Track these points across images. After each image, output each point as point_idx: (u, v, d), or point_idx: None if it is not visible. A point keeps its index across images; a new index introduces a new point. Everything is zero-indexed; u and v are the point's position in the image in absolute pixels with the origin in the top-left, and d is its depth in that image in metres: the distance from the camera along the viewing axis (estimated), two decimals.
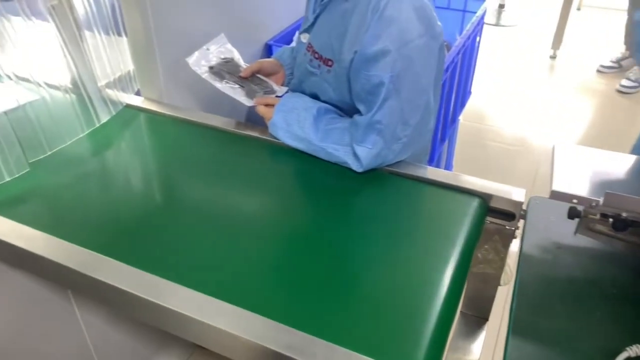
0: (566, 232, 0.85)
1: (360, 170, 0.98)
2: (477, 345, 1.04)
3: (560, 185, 0.76)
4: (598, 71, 3.32)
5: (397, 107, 0.95)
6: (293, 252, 0.83)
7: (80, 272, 0.76)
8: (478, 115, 2.89)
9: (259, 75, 1.21)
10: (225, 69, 1.18)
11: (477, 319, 1.08)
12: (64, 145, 1.05)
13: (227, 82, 1.15)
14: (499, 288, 1.03)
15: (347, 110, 1.07)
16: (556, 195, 0.75)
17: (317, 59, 1.05)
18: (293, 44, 1.28)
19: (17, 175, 0.96)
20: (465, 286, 1.05)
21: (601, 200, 0.71)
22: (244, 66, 1.21)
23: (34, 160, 1.00)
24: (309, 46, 1.06)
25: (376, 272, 0.79)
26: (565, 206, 0.82)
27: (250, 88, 1.16)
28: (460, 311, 1.10)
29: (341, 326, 0.69)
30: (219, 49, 1.22)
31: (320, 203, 0.94)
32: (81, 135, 1.09)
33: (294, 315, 0.70)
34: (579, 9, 4.30)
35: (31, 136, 1.00)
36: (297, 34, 1.24)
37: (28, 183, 0.96)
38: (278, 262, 0.81)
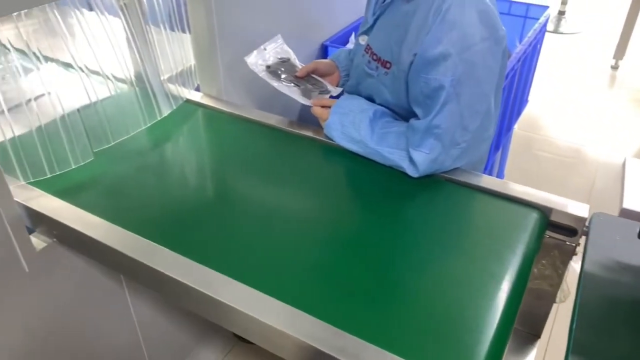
0: (633, 252, 0.81)
1: (416, 175, 0.97)
2: None
3: (632, 202, 0.72)
4: None
5: (456, 112, 0.93)
6: (346, 255, 0.82)
7: (134, 258, 0.79)
8: (532, 124, 2.81)
9: (314, 76, 1.22)
10: (281, 69, 1.19)
11: (529, 335, 1.05)
12: (127, 137, 1.09)
13: (284, 81, 1.17)
14: (554, 306, 0.99)
15: (403, 114, 1.06)
16: (627, 213, 0.71)
17: (375, 60, 1.04)
18: (350, 46, 1.28)
19: (82, 164, 1.00)
20: None
21: None
22: (300, 66, 1.21)
23: (98, 149, 1.04)
24: (368, 48, 1.06)
25: (430, 282, 0.77)
26: (632, 225, 0.78)
27: (305, 87, 1.17)
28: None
29: (393, 334, 0.68)
30: (275, 49, 1.23)
31: (373, 206, 0.94)
32: (143, 128, 1.12)
33: (346, 318, 0.69)
34: None
35: (97, 127, 1.04)
36: (353, 35, 1.24)
37: (91, 171, 1.00)
38: (331, 264, 0.81)
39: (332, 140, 1.07)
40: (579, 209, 0.88)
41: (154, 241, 0.82)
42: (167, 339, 1.39)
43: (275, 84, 1.16)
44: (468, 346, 0.67)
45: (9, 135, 0.90)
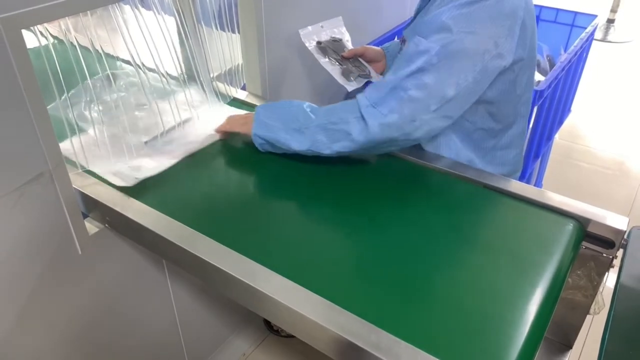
0: None
1: (361, 139, 0.92)
2: None
3: None
4: None
5: (428, 84, 0.90)
6: (383, 255, 0.85)
7: (178, 245, 0.83)
8: (575, 134, 2.75)
9: (360, 59, 1.23)
10: (331, 47, 1.21)
11: (561, 345, 1.05)
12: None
13: (329, 59, 1.18)
14: (588, 317, 0.99)
15: None
16: None
17: None
18: None
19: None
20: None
21: None
22: (350, 48, 1.24)
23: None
24: (402, 40, 1.07)
25: (464, 285, 0.79)
26: None
27: (347, 68, 1.19)
28: (545, 336, 1.07)
29: (426, 333, 0.70)
30: (332, 29, 1.26)
31: (410, 209, 0.95)
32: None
33: (381, 315, 0.72)
34: None
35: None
36: (396, 38, 1.26)
37: None
38: (368, 262, 0.83)
39: (259, 146, 1.04)
40: (618, 221, 0.88)
41: (198, 230, 0.86)
42: (203, 326, 1.44)
43: (321, 60, 1.18)
44: (498, 350, 0.68)
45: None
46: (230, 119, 1.11)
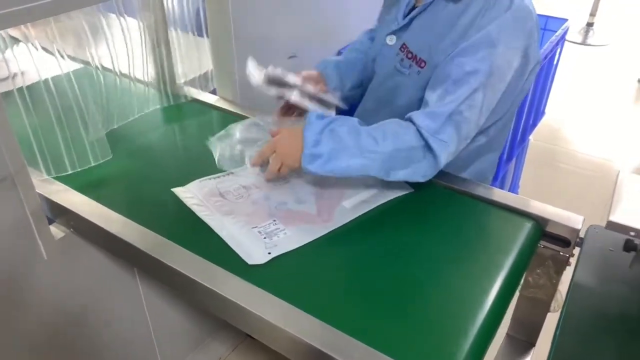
0: (623, 265, 0.83)
1: (434, 171, 0.92)
2: None
3: (619, 216, 0.74)
4: None
5: (479, 104, 0.91)
6: (341, 256, 0.86)
7: (146, 252, 0.84)
8: (554, 136, 2.79)
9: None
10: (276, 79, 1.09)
11: (524, 343, 1.06)
12: (145, 138, 1.15)
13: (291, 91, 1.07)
14: (550, 315, 1.01)
15: None
16: (613, 226, 0.73)
17: (409, 59, 1.02)
18: (340, 57, 1.25)
19: (101, 161, 1.06)
20: (514, 309, 1.04)
21: None
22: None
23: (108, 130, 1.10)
24: (404, 47, 1.03)
25: (421, 287, 0.80)
26: (624, 238, 0.80)
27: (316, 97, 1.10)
28: (508, 334, 1.08)
29: (381, 333, 0.71)
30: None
31: (370, 212, 0.96)
32: (161, 129, 1.18)
33: (339, 317, 0.73)
34: None
35: (106, 114, 1.10)
36: (364, 35, 1.24)
37: (111, 169, 1.06)
38: (327, 264, 0.84)
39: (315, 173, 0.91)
40: (573, 221, 0.90)
41: (165, 237, 0.87)
42: (178, 331, 1.44)
43: (287, 93, 1.07)
44: (449, 347, 0.70)
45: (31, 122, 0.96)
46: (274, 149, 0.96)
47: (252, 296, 0.76)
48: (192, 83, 1.28)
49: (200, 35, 1.26)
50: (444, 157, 0.90)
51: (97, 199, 0.96)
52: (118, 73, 1.10)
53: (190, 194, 0.97)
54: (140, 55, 1.14)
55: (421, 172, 0.92)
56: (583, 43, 3.87)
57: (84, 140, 1.03)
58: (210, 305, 0.82)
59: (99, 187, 1.01)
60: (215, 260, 0.82)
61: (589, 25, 3.93)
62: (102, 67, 1.06)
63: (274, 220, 0.90)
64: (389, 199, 0.97)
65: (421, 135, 0.90)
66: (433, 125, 0.89)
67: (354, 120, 0.94)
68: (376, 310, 0.75)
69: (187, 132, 1.22)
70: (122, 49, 1.10)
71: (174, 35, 1.20)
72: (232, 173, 1.02)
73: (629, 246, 0.74)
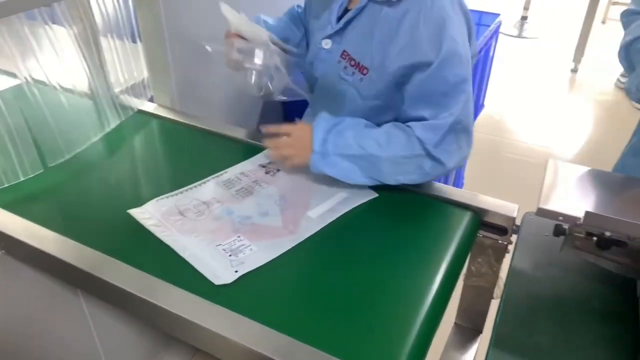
0: (557, 249, 0.86)
1: (442, 173, 0.96)
2: (469, 356, 1.05)
3: (548, 202, 0.77)
4: (616, 86, 3.28)
5: (470, 107, 0.95)
6: (282, 258, 0.85)
7: (88, 272, 0.80)
8: (497, 127, 2.88)
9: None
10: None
11: (471, 330, 1.09)
12: (79, 150, 1.10)
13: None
14: (494, 301, 1.04)
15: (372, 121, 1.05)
16: (543, 213, 0.76)
17: (352, 66, 1.01)
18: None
19: (31, 176, 1.01)
20: (459, 298, 1.07)
21: (582, 219, 0.72)
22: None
23: (54, 164, 1.05)
24: (345, 54, 1.02)
25: (363, 282, 0.80)
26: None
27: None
28: (455, 323, 1.11)
29: (326, 333, 0.71)
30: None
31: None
32: (94, 140, 1.14)
33: (281, 321, 0.72)
34: (603, 22, 4.24)
35: (49, 140, 1.05)
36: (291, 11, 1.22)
37: (42, 184, 1.01)
38: (268, 270, 0.83)
39: (323, 172, 0.96)
40: (509, 209, 0.93)
41: (105, 253, 0.83)
42: (128, 347, 1.40)
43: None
44: (394, 338, 0.71)
45: None
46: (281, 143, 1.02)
47: (198, 308, 0.74)
48: (129, 91, 1.24)
49: (135, 41, 1.22)
50: (452, 162, 0.95)
51: (29, 216, 0.91)
52: (51, 85, 1.05)
53: (148, 215, 0.92)
54: (73, 65, 1.10)
55: (429, 176, 0.96)
56: (519, 36, 4.02)
57: (11, 154, 0.98)
58: (155, 320, 0.80)
59: (31, 204, 0.96)
60: (179, 283, 0.78)
61: (523, 18, 4.09)
62: (32, 79, 1.01)
63: (239, 236, 0.87)
64: (354, 206, 0.96)
65: (423, 146, 0.93)
66: (434, 137, 0.92)
67: (360, 122, 0.98)
68: (326, 314, 0.75)
69: (130, 144, 1.19)
70: (52, 60, 1.05)
71: (107, 42, 1.16)
72: (190, 189, 0.99)
73: (558, 231, 0.77)
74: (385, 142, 0.94)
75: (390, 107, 1.03)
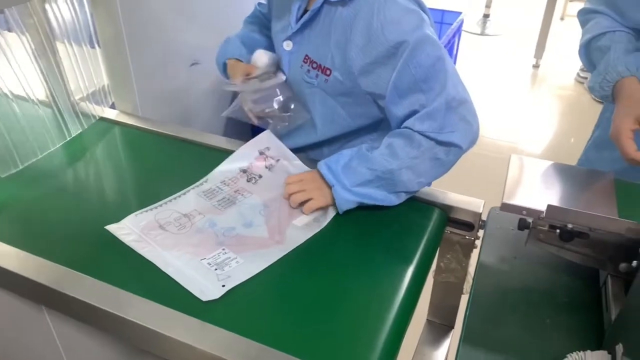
0: (522, 243, 0.87)
1: (460, 154, 0.94)
2: (442, 352, 1.06)
3: (511, 197, 0.78)
4: (576, 80, 3.38)
5: (455, 79, 0.92)
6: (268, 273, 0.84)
7: (51, 287, 0.78)
8: None
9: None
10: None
11: (443, 327, 1.10)
12: (35, 159, 1.07)
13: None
14: (464, 297, 1.05)
15: (344, 121, 1.06)
16: (506, 207, 0.77)
17: (315, 69, 1.01)
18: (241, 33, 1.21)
19: None
20: (430, 295, 1.08)
21: (544, 212, 0.73)
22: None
23: (6, 175, 1.02)
24: (306, 58, 1.02)
25: (331, 282, 0.80)
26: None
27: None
28: (427, 319, 1.12)
29: (295, 337, 0.71)
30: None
31: None
32: (52, 149, 1.11)
33: (250, 327, 0.71)
34: (562, 18, 4.36)
35: (3, 151, 1.01)
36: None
37: (7, 200, 0.97)
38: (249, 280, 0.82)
39: (350, 201, 0.92)
40: (475, 205, 0.94)
41: (68, 267, 0.81)
42: None
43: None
44: (365, 338, 0.71)
45: None
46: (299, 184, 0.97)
47: (164, 319, 0.73)
48: (89, 98, 1.21)
49: (93, 46, 1.19)
50: (466, 140, 0.92)
51: None
52: (3, 94, 1.02)
53: (127, 230, 0.88)
54: (28, 73, 1.06)
55: (450, 163, 0.94)
56: (481, 34, 4.10)
57: None
58: (118, 332, 0.78)
59: None
60: (163, 301, 0.75)
61: (486, 16, 4.17)
62: None
63: (224, 249, 0.84)
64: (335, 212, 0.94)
65: (428, 137, 0.90)
66: (434, 124, 0.89)
67: (360, 148, 0.95)
68: (288, 315, 0.75)
69: (94, 153, 1.15)
70: (5, 69, 1.01)
71: (64, 48, 1.12)
72: (170, 201, 0.95)
73: (522, 225, 0.79)
74: (390, 154, 0.92)
75: (366, 99, 1.02)
